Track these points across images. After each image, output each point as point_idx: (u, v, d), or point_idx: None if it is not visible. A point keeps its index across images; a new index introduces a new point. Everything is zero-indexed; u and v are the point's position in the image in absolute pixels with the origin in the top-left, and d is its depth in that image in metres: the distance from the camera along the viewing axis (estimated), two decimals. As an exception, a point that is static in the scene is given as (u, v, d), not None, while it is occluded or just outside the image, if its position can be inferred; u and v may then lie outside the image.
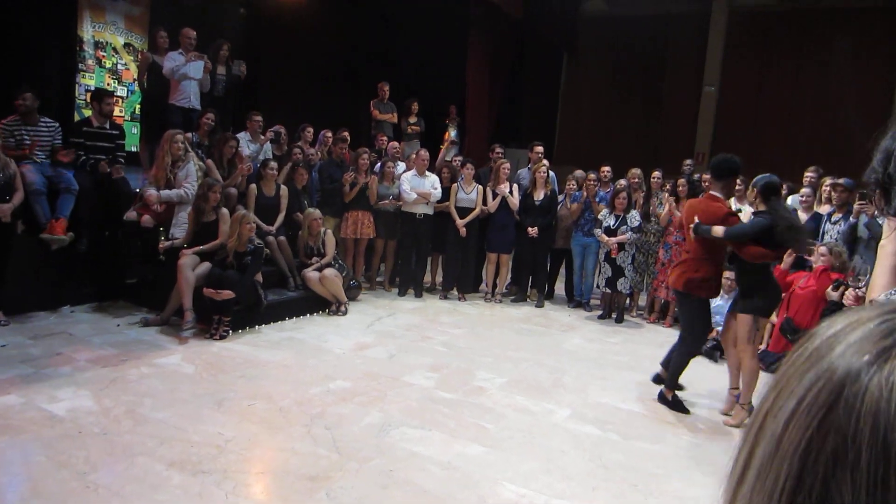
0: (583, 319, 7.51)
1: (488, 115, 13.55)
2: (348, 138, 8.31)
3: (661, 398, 4.90)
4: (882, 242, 1.70)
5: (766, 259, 4.38)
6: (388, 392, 4.66)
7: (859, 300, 2.44)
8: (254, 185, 6.93)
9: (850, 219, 5.98)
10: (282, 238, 6.88)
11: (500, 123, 14.23)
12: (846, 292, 4.78)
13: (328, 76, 11.36)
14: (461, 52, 12.33)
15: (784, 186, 7.19)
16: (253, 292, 5.92)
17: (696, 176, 8.40)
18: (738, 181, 6.47)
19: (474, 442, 3.96)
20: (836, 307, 5.12)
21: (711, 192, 4.64)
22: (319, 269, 6.76)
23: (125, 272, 6.37)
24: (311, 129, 8.46)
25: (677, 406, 4.83)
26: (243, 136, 7.57)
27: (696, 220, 4.55)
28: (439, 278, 8.27)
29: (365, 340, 5.93)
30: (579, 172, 8.22)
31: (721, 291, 5.10)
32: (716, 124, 14.39)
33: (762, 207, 4.39)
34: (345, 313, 6.77)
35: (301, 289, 6.77)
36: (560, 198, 8.08)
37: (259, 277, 6.08)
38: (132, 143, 8.97)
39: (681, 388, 5.00)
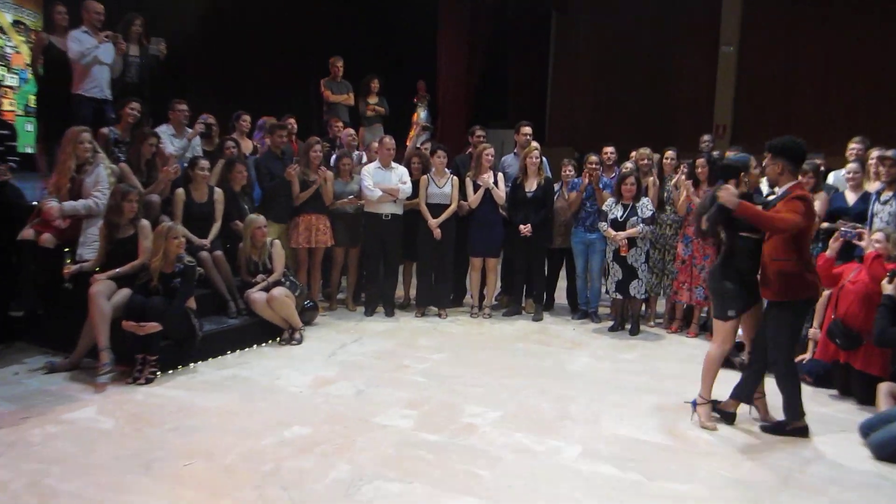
0: (590, 333, 7.49)
1: (465, 92, 13.54)
2: (293, 126, 8.20)
3: (794, 431, 4.86)
4: None
5: None
6: (358, 438, 4.58)
7: None
8: (181, 190, 6.86)
9: None
10: (218, 253, 6.79)
11: (480, 101, 14.20)
12: None
13: (268, 52, 11.24)
14: (431, 18, 12.28)
15: (822, 161, 7.21)
16: (184, 322, 5.82)
17: (717, 153, 8.41)
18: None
19: (466, 494, 3.87)
20: (894, 303, 5.08)
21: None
22: (266, 289, 6.68)
23: (21, 305, 6.18)
24: (247, 118, 8.39)
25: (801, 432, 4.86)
26: (165, 131, 7.50)
27: None
28: (414, 292, 8.21)
29: (326, 374, 5.85)
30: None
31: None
32: (737, 91, 14.48)
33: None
34: (300, 341, 6.69)
35: (245, 314, 6.71)
36: (555, 187, 8.05)
37: (192, 303, 5.99)
38: (26, 144, 8.78)
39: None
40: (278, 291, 6.65)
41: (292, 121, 8.69)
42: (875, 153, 6.65)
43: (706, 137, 9.72)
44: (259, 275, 6.80)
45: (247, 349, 6.48)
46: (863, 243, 5.75)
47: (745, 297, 4.86)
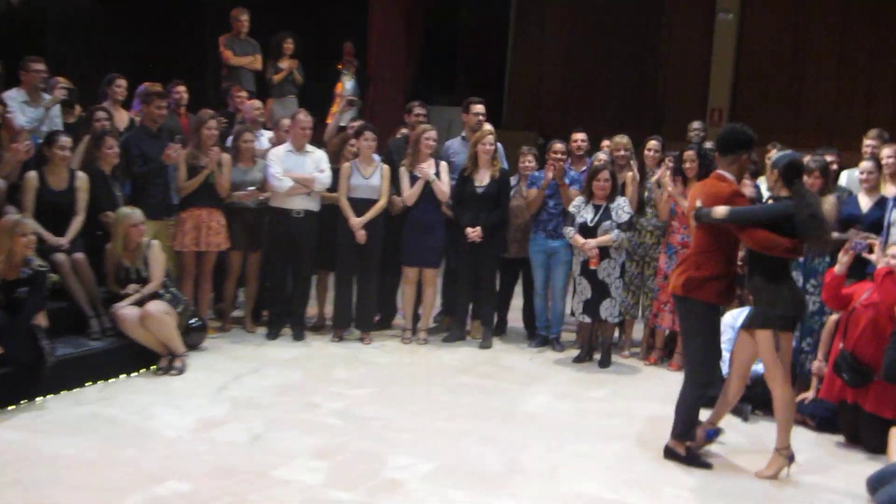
0: (550, 365, 7.52)
1: (404, 59, 13.53)
2: (183, 95, 8.07)
3: (669, 453, 5.32)
4: None
5: (776, 249, 5.03)
6: (252, 496, 4.54)
7: None
8: (33, 174, 6.79)
9: None
10: (79, 256, 6.71)
11: (423, 71, 14.19)
12: None
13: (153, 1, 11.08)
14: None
15: (834, 158, 7.36)
16: (31, 344, 5.74)
17: (709, 144, 8.49)
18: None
19: (385, 570, 3.85)
20: None
21: (718, 170, 5.33)
22: (140, 304, 6.60)
23: None
24: (123, 83, 8.27)
25: (694, 461, 5.27)
26: (15, 97, 7.42)
27: (699, 203, 5.20)
28: (330, 310, 8.15)
29: (214, 414, 5.80)
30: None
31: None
32: (736, 69, 14.70)
33: (784, 192, 5.19)
34: (181, 371, 6.62)
35: (111, 335, 6.64)
36: (512, 182, 8.10)
37: (42, 320, 5.92)
38: None
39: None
40: (155, 307, 6.57)
41: (181, 88, 8.60)
42: (887, 151, 6.81)
43: (696, 125, 9.78)
44: (131, 285, 6.71)
45: (112, 380, 6.40)
46: (873, 257, 5.88)
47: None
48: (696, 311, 5.25)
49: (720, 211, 5.00)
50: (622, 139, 8.03)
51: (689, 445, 5.30)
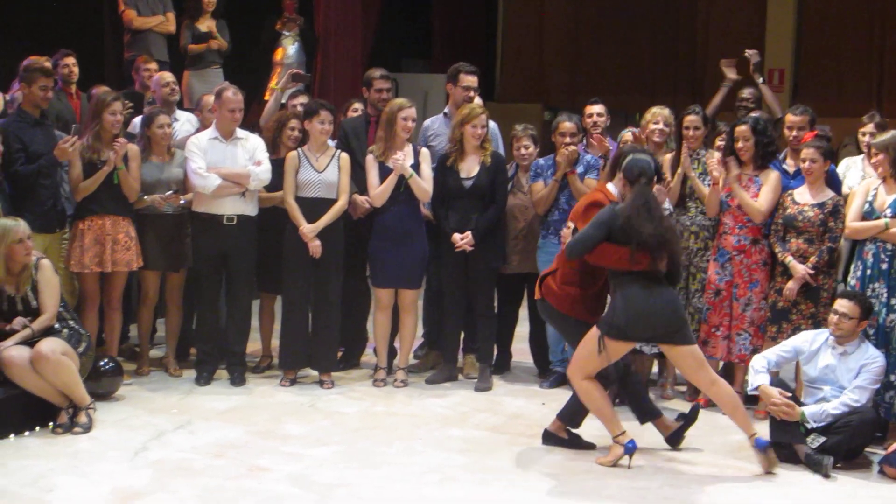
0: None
1: (362, 16, 13.56)
2: (73, 70, 8.14)
3: (549, 437, 6.61)
4: None
5: (620, 263, 6.09)
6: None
7: None
8: None
9: None
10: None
11: (387, 30, 14.24)
12: None
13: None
14: None
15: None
16: None
17: (764, 117, 8.22)
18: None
19: None
20: None
21: (606, 185, 6.57)
22: (30, 343, 6.59)
23: None
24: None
25: (576, 443, 6.58)
26: None
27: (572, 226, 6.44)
28: (278, 344, 8.17)
29: (131, 483, 5.78)
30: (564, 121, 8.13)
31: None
32: (800, 17, 14.77)
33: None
34: (87, 428, 6.59)
35: (-5, 383, 6.62)
36: (510, 171, 8.17)
37: None
38: None
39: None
40: (49, 346, 6.53)
41: (70, 60, 8.62)
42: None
43: (747, 92, 9.65)
44: (17, 318, 6.68)
45: (-1, 441, 6.41)
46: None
47: None
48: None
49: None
50: (660, 111, 8.01)
51: (571, 430, 6.56)
